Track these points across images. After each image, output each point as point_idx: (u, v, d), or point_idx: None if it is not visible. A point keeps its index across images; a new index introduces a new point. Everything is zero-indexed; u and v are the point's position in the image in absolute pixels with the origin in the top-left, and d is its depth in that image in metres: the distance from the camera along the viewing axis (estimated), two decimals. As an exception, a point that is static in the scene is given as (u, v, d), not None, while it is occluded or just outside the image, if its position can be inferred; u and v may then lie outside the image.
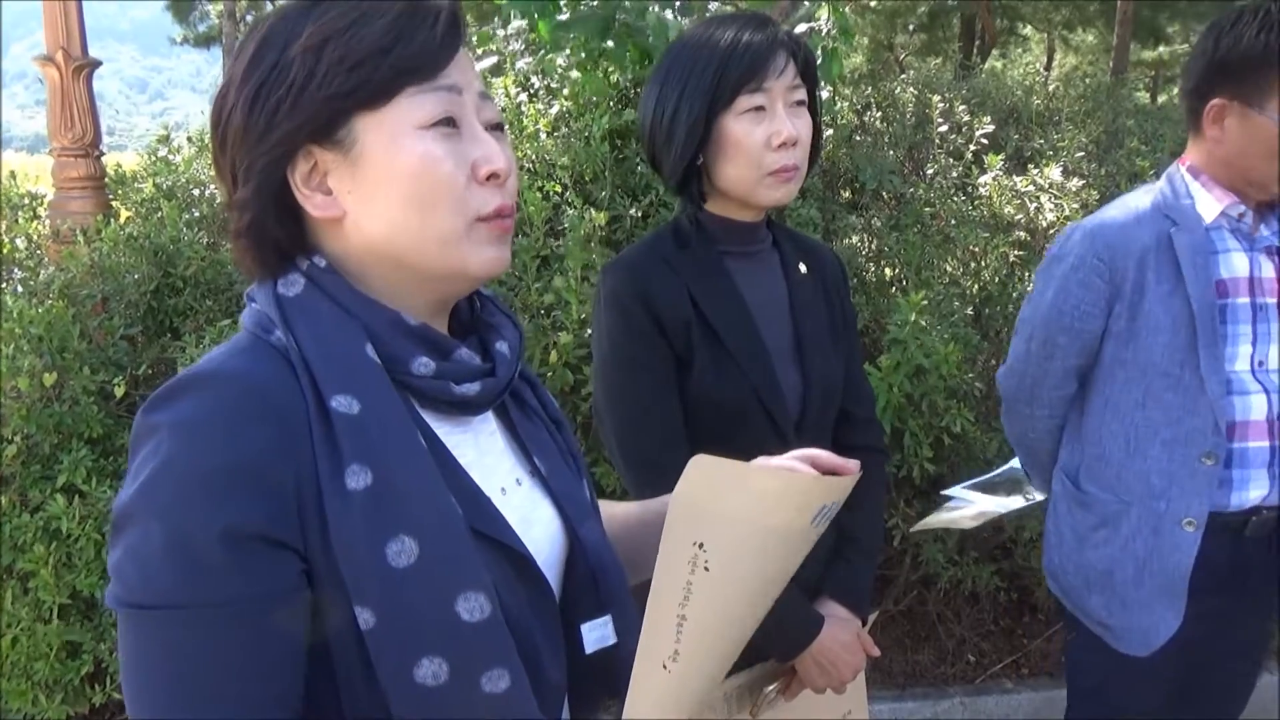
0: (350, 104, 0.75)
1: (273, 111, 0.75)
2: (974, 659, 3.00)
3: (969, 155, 3.56)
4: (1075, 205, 3.18)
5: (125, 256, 2.83)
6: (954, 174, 3.49)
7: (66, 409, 2.37)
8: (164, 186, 3.37)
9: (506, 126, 0.91)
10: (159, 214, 3.07)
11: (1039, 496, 1.94)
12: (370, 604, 0.71)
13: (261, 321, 0.78)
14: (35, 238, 3.23)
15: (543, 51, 3.28)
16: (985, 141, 3.53)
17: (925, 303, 2.61)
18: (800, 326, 1.49)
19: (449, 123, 0.78)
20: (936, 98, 3.66)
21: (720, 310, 1.42)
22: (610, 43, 3.07)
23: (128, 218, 3.29)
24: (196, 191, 3.35)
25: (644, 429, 1.41)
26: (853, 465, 0.89)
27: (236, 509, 0.68)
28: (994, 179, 3.32)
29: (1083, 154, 3.72)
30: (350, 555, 0.71)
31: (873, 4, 12.23)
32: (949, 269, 3.22)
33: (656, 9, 3.13)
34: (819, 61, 2.98)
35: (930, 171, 3.53)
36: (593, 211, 2.66)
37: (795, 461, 0.89)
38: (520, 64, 3.57)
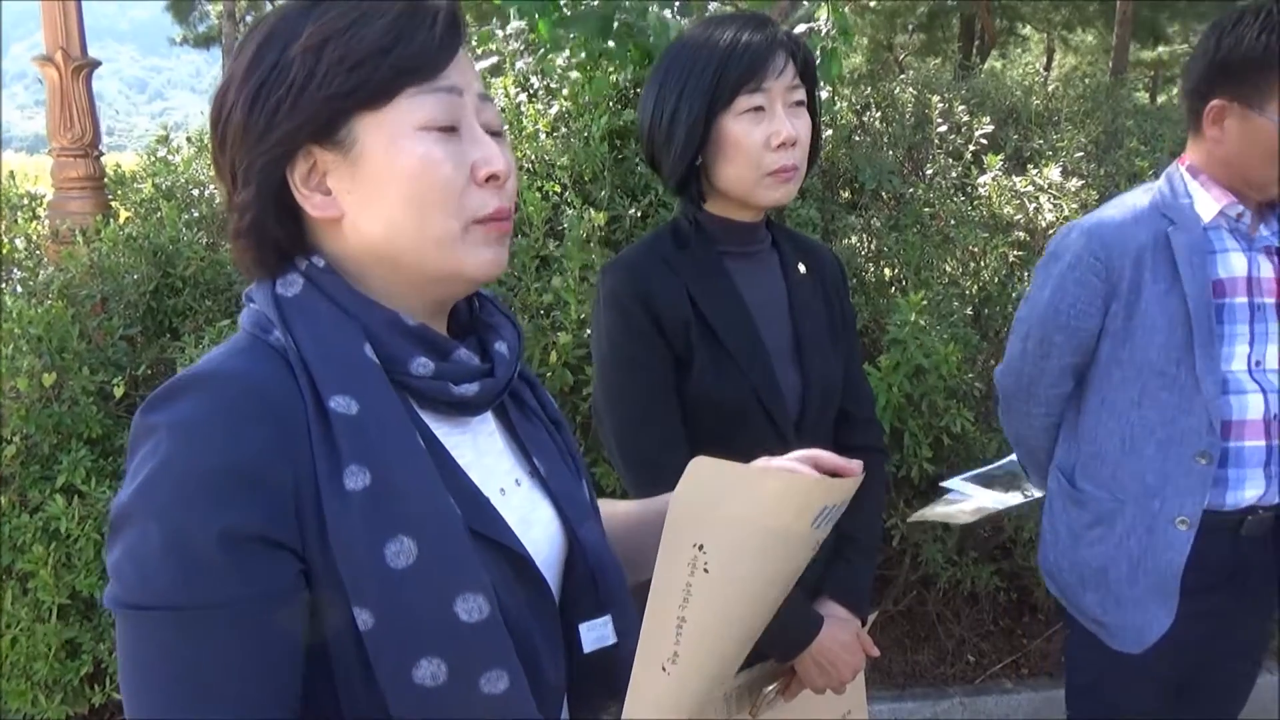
0: (350, 104, 0.75)
1: (273, 111, 0.75)
2: (973, 659, 3.00)
3: (968, 155, 3.56)
4: (1074, 205, 3.18)
5: (124, 257, 2.83)
6: (953, 174, 3.49)
7: (66, 409, 2.37)
8: (163, 187, 3.37)
9: (506, 127, 0.91)
10: (158, 214, 3.07)
11: (1037, 493, 1.95)
12: (369, 604, 0.71)
13: (260, 322, 0.78)
14: (34, 238, 3.23)
15: (543, 51, 3.27)
16: (984, 142, 3.53)
17: (925, 303, 2.61)
18: (799, 327, 1.49)
19: (449, 127, 0.78)
20: (936, 98, 3.66)
21: (719, 310, 1.42)
22: (612, 43, 3.07)
23: (127, 218, 3.29)
24: (196, 192, 3.35)
25: (643, 429, 1.41)
26: (855, 466, 0.88)
27: (235, 510, 0.68)
28: (993, 179, 3.32)
29: (1082, 154, 3.72)
30: (349, 556, 0.71)
31: (872, 4, 12.23)
32: (948, 269, 3.22)
33: (657, 9, 3.12)
34: (818, 62, 2.98)
35: (929, 172, 3.53)
36: (592, 212, 2.66)
37: (797, 463, 0.89)
38: (520, 64, 3.57)
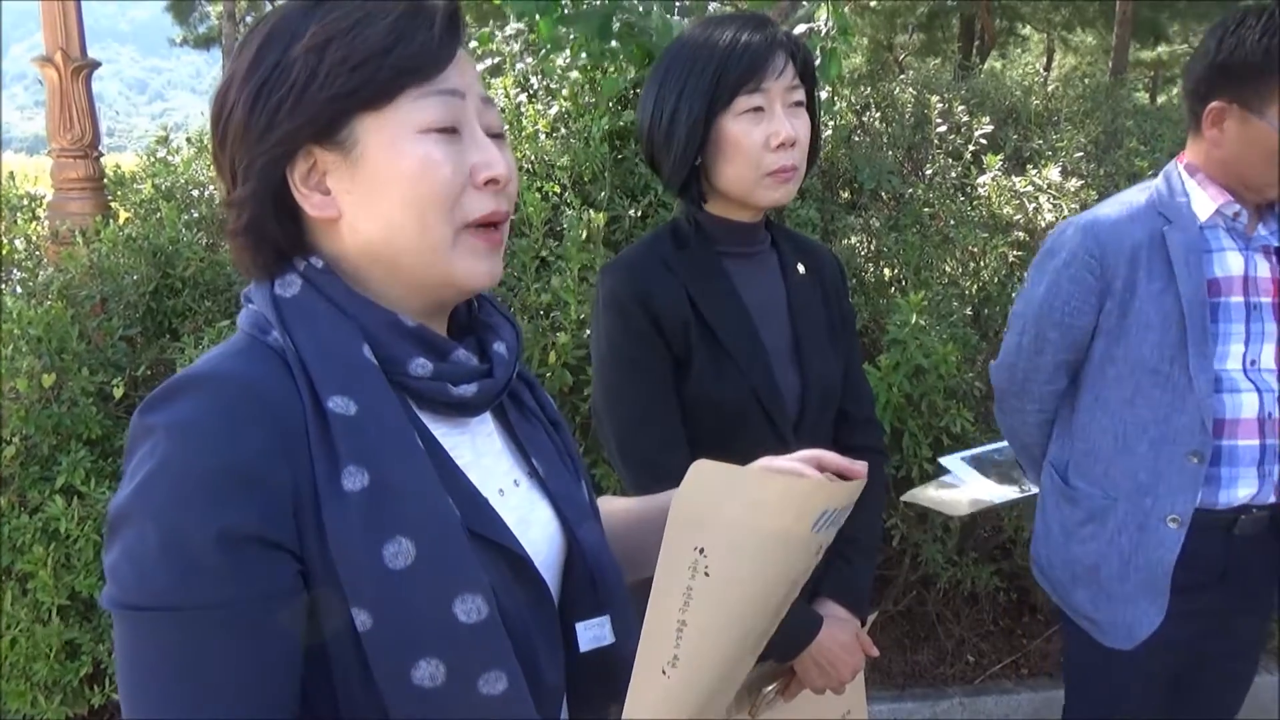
0: (352, 104, 0.75)
1: (274, 111, 0.75)
2: (973, 659, 3.00)
3: (968, 156, 3.56)
4: (1074, 205, 3.19)
5: (124, 257, 2.83)
6: (953, 174, 3.50)
7: (65, 410, 2.37)
8: (163, 187, 3.37)
9: (506, 128, 0.91)
10: (158, 215, 3.07)
11: (1034, 489, 1.95)
12: (367, 605, 0.71)
13: (258, 322, 0.78)
14: (34, 239, 3.23)
15: (544, 51, 3.27)
16: (984, 142, 3.54)
17: (924, 303, 2.61)
18: (799, 327, 1.49)
19: (450, 129, 0.78)
20: (935, 98, 3.66)
21: (719, 311, 1.42)
22: (615, 43, 3.07)
23: (126, 219, 3.29)
24: (195, 192, 3.35)
25: (643, 430, 1.41)
26: (860, 467, 0.88)
27: (233, 510, 0.68)
28: (993, 179, 3.33)
29: (1081, 154, 3.72)
30: (347, 557, 0.71)
31: (872, 4, 12.23)
32: (948, 269, 3.22)
33: (658, 9, 3.12)
34: (818, 62, 2.98)
35: (929, 172, 3.53)
36: (591, 212, 2.66)
37: (800, 464, 0.88)
38: (519, 65, 3.57)
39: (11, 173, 3.77)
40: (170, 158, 3.71)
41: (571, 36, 3.15)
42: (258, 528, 0.69)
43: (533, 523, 0.86)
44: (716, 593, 0.80)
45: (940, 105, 3.64)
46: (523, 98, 3.41)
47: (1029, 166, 3.54)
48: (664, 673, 0.81)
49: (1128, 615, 1.63)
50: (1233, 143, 1.54)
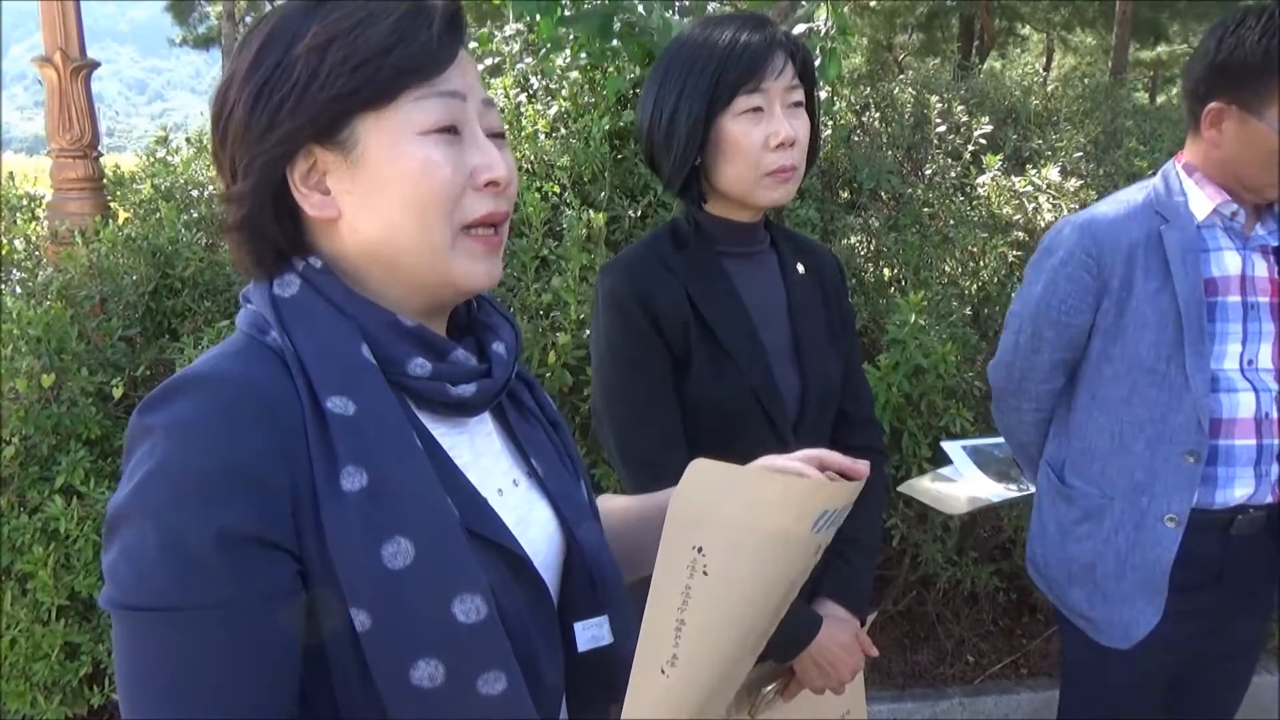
0: (353, 104, 0.75)
1: (275, 110, 0.75)
2: (973, 659, 3.00)
3: (967, 156, 3.57)
4: (1073, 205, 3.19)
5: (123, 258, 2.83)
6: (952, 174, 3.50)
7: (65, 410, 2.37)
8: (162, 188, 3.37)
9: (505, 127, 0.91)
10: (157, 215, 3.07)
11: (1032, 488, 1.95)
12: (366, 606, 0.71)
13: (257, 322, 0.78)
14: (34, 239, 3.23)
15: (544, 51, 3.27)
16: (984, 142, 3.54)
17: (924, 303, 2.61)
18: (798, 327, 1.49)
19: (450, 129, 0.78)
20: (935, 98, 3.67)
21: (718, 311, 1.42)
22: (617, 42, 3.07)
23: (126, 219, 3.29)
24: (195, 193, 3.35)
25: (642, 429, 1.41)
26: (862, 467, 0.88)
27: (231, 511, 0.68)
28: (992, 179, 3.33)
29: (1081, 154, 3.72)
30: (346, 557, 0.70)
31: (872, 4, 12.23)
32: (947, 269, 3.23)
33: (659, 8, 3.13)
34: (817, 62, 2.99)
35: (929, 172, 3.53)
36: (591, 212, 2.66)
37: (801, 464, 0.88)
38: (519, 65, 3.57)
39: (11, 173, 3.77)
40: (170, 158, 3.71)
41: (572, 37, 3.15)
42: (256, 528, 0.69)
43: (532, 523, 0.86)
44: (715, 592, 0.80)
45: (940, 105, 3.64)
46: (522, 98, 3.42)
47: (1028, 166, 3.54)
48: (663, 672, 0.81)
49: (1125, 615, 1.63)
50: (1231, 143, 1.54)
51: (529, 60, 3.56)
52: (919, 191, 3.37)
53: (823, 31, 3.16)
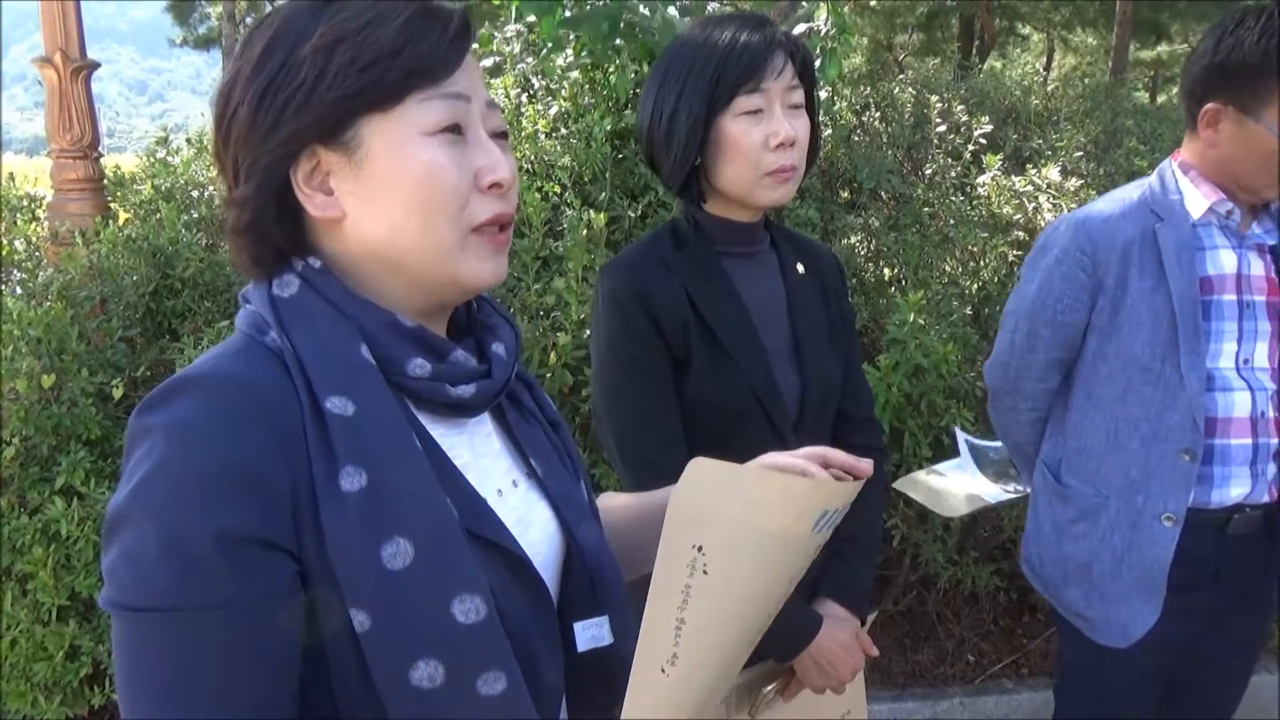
0: (359, 105, 0.75)
1: (280, 110, 0.75)
2: (973, 659, 3.00)
3: (967, 155, 3.57)
4: (1073, 205, 3.18)
5: (124, 258, 2.83)
6: (952, 174, 3.50)
7: (65, 411, 2.37)
8: (162, 188, 3.37)
9: (507, 127, 0.91)
10: (157, 216, 3.08)
11: (1029, 489, 1.95)
12: (365, 606, 0.71)
13: (256, 323, 0.78)
14: (34, 239, 3.23)
15: (544, 51, 3.28)
16: (984, 141, 3.54)
17: (924, 303, 2.61)
18: (798, 327, 1.49)
19: (455, 129, 0.78)
20: (935, 98, 3.67)
21: (718, 311, 1.42)
22: (620, 41, 3.07)
23: (126, 219, 3.29)
24: (195, 193, 3.35)
25: (642, 430, 1.41)
26: (865, 466, 0.88)
27: (231, 511, 0.68)
28: (992, 179, 3.33)
29: (1081, 154, 3.72)
30: (345, 557, 0.70)
31: (872, 4, 12.23)
32: (948, 269, 3.23)
33: (661, 8, 3.13)
34: (817, 62, 2.99)
35: (929, 171, 3.53)
36: (591, 212, 2.66)
37: (804, 461, 0.88)
38: (519, 65, 3.57)
39: (11, 174, 3.77)
40: (170, 158, 3.71)
41: (573, 37, 3.15)
42: (256, 528, 0.69)
43: (531, 523, 0.86)
44: (715, 591, 0.80)
45: (940, 105, 3.64)
46: (523, 98, 3.42)
47: (1029, 166, 3.54)
48: (663, 671, 0.81)
49: (1122, 614, 1.63)
50: (1228, 144, 1.54)
51: (529, 60, 3.56)
52: (919, 191, 3.37)
53: (823, 31, 3.16)
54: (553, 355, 2.45)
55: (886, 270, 3.25)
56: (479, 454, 0.85)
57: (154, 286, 2.80)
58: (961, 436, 2.24)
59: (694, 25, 1.45)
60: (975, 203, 3.35)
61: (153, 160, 3.69)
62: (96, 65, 3.42)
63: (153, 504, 0.68)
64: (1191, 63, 1.59)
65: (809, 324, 1.50)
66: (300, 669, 0.73)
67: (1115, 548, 1.62)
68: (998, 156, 3.39)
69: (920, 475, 2.21)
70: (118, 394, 2.44)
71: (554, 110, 3.25)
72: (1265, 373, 1.59)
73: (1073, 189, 3.28)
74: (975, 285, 3.18)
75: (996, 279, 3.15)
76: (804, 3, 3.82)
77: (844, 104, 3.74)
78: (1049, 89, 4.80)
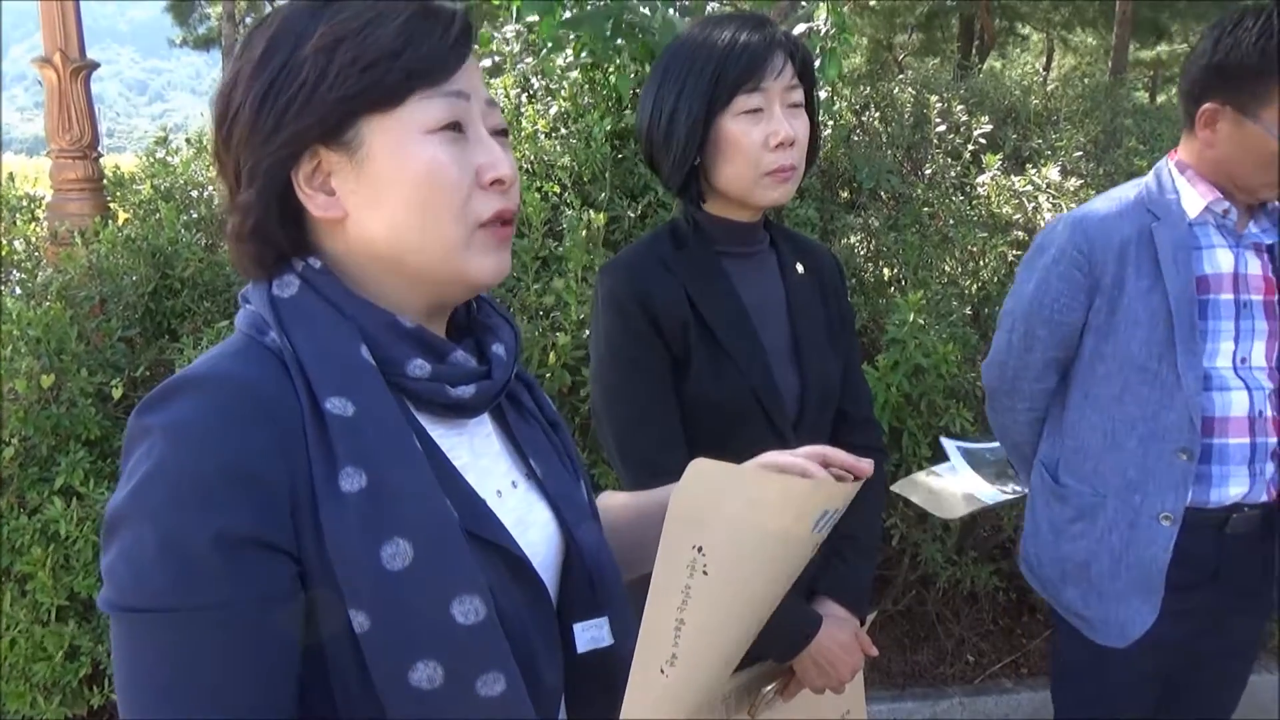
0: (360, 105, 0.75)
1: (282, 111, 0.75)
2: (973, 659, 3.00)
3: (967, 155, 3.57)
4: (1073, 205, 3.19)
5: (123, 258, 2.83)
6: (952, 174, 3.50)
7: (64, 411, 2.37)
8: (162, 188, 3.38)
9: (507, 125, 0.91)
10: (157, 216, 3.08)
11: (1026, 490, 1.95)
12: (365, 607, 0.70)
13: (256, 323, 0.78)
14: (33, 239, 3.23)
15: (544, 51, 3.28)
16: (983, 141, 3.54)
17: (924, 302, 2.61)
18: (798, 327, 1.48)
19: (455, 127, 0.78)
20: (935, 98, 3.67)
21: (718, 311, 1.42)
22: (620, 41, 3.07)
23: (126, 219, 3.30)
24: (195, 193, 3.35)
25: (642, 430, 1.41)
26: (865, 465, 0.88)
27: (230, 512, 0.68)
28: (992, 179, 3.33)
29: (1081, 154, 3.72)
30: (345, 558, 0.70)
31: (872, 4, 12.23)
32: (947, 269, 3.23)
33: (661, 8, 3.13)
34: (817, 62, 2.99)
35: (928, 171, 3.53)
36: (591, 213, 2.66)
37: (804, 460, 0.88)
38: (519, 65, 3.57)
39: (11, 174, 3.77)
40: (169, 159, 3.71)
41: (573, 36, 3.15)
42: (255, 529, 0.69)
43: (531, 524, 0.86)
44: (715, 591, 0.80)
45: (939, 105, 3.64)
46: (522, 98, 3.42)
47: (1028, 166, 3.54)
48: (662, 671, 0.81)
49: (1120, 614, 1.63)
50: (1225, 144, 1.54)
51: (529, 60, 3.56)
52: (919, 191, 3.37)
53: (823, 31, 3.16)
54: (552, 355, 2.45)
55: (886, 270, 3.25)
56: (478, 455, 0.85)
57: (153, 286, 2.80)
58: (952, 445, 2.23)
59: (694, 25, 1.45)
60: (975, 203, 3.35)
61: (152, 160, 3.69)
62: (96, 65, 3.42)
63: (151, 504, 0.68)
64: (1190, 62, 1.59)
65: (808, 324, 1.50)
66: (299, 669, 0.72)
67: (1113, 547, 1.62)
68: (997, 156, 3.39)
69: (919, 477, 2.21)
70: (117, 394, 2.44)
71: (554, 110, 3.25)
72: (1263, 372, 1.59)
73: (1072, 189, 3.28)
74: (975, 285, 3.18)
75: (996, 279, 3.15)
76: (804, 3, 3.82)
77: (844, 104, 3.75)
78: (1049, 89, 4.80)
